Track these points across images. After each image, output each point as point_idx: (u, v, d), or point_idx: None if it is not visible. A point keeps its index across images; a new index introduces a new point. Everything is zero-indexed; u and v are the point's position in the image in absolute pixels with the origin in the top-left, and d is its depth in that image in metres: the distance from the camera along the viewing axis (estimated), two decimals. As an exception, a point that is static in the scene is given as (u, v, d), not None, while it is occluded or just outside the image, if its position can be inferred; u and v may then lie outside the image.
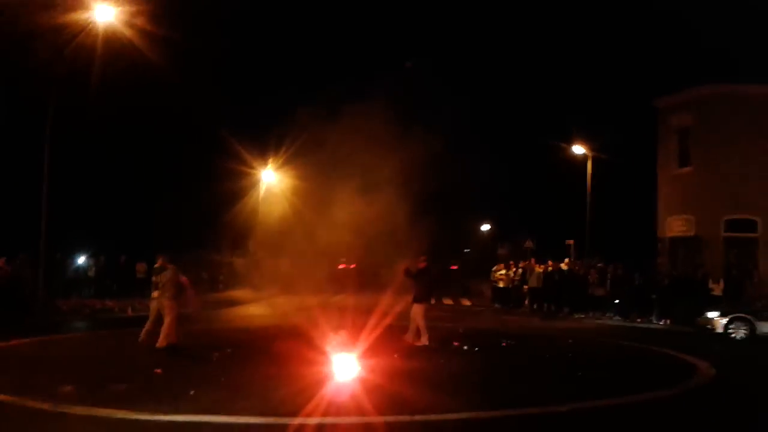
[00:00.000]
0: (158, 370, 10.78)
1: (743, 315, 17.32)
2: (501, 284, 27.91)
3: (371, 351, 11.63)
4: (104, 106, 25.07)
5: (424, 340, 14.08)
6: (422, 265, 14.65)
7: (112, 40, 19.99)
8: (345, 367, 10.13)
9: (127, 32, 19.94)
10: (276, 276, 33.22)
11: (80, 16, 19.02)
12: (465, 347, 14.40)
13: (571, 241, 30.55)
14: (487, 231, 42.49)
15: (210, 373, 10.68)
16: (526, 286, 26.55)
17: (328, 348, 11.04)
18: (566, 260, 27.43)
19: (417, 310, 14.32)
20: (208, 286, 30.48)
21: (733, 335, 17.22)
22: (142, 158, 31.42)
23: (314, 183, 25.36)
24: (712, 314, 17.99)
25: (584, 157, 29.73)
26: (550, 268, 26.21)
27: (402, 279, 21.82)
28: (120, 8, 19.35)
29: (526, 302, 26.71)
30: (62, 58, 19.83)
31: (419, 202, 22.98)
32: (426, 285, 14.55)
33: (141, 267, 26.27)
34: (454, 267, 27.32)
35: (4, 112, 24.05)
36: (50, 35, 19.50)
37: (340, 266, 21.49)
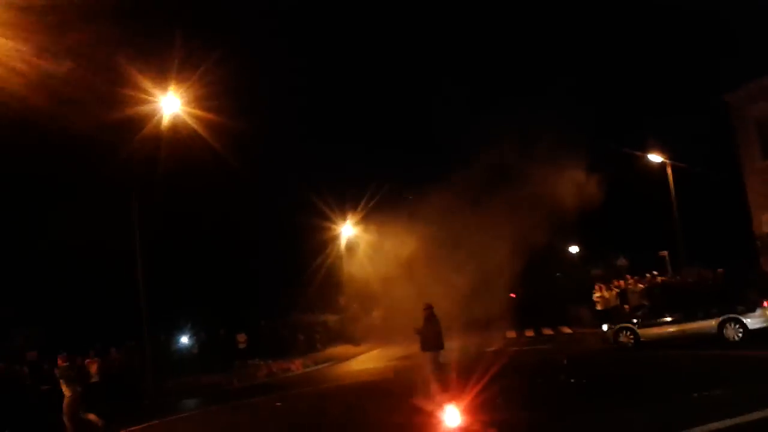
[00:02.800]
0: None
1: (628, 325, 19.28)
2: (599, 306, 27.12)
3: (477, 399, 11.44)
4: (182, 186, 26.04)
5: (424, 394, 12.80)
6: (425, 313, 14.25)
7: (179, 125, 21.04)
8: (450, 420, 9.99)
9: (196, 113, 21.00)
10: (371, 329, 33.53)
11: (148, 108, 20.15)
12: (572, 380, 14.03)
13: (665, 253, 29.51)
14: (576, 253, 41.57)
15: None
16: (626, 306, 25.71)
17: (433, 401, 10.99)
18: (654, 273, 26.69)
19: (425, 360, 13.93)
20: (306, 346, 30.85)
21: (623, 341, 19.02)
22: (226, 232, 32.40)
23: (398, 234, 25.72)
24: (604, 326, 20.39)
25: (662, 165, 28.90)
26: (642, 286, 25.49)
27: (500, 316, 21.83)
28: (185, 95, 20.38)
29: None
30: (138, 149, 20.90)
31: (505, 235, 23.05)
32: (430, 333, 14.04)
33: (241, 337, 27.02)
34: (513, 295, 26.79)
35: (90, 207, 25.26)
36: (122, 129, 20.73)
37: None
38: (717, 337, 17.10)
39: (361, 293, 31.59)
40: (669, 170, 28.43)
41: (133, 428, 14.71)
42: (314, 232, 34.00)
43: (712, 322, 17.40)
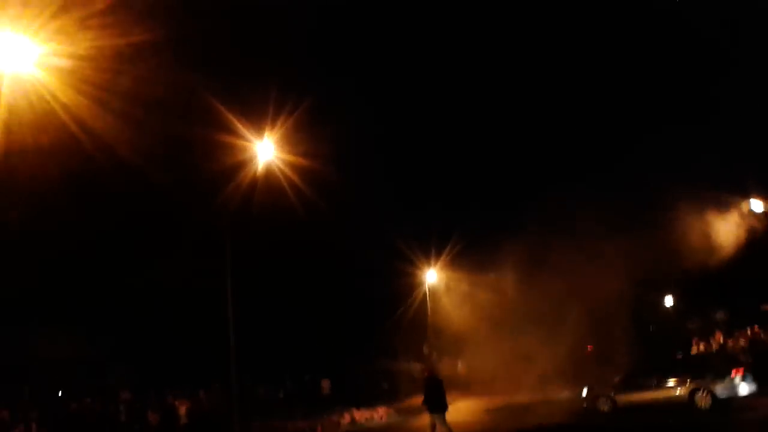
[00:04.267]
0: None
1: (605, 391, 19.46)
2: (697, 362, 25.81)
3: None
4: (273, 229, 26.54)
5: None
6: (425, 374, 15.04)
7: (272, 171, 21.64)
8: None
9: (288, 160, 21.59)
10: (455, 380, 32.91)
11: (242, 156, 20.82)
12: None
13: (768, 306, 27.94)
14: (671, 305, 39.81)
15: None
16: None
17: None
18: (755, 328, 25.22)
19: (432, 419, 14.41)
20: (390, 395, 30.51)
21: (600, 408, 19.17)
22: (310, 278, 32.80)
23: (484, 283, 25.40)
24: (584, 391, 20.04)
25: (765, 213, 27.61)
26: (743, 341, 24.10)
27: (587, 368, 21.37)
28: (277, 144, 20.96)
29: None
30: (232, 194, 21.56)
31: (589, 286, 22.37)
32: (431, 394, 14.48)
33: (325, 383, 27.08)
34: (589, 348, 25.74)
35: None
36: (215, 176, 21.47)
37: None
38: (687, 405, 17.58)
39: (444, 342, 31.25)
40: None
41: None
42: (399, 277, 34.03)
43: (683, 390, 17.93)
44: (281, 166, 21.55)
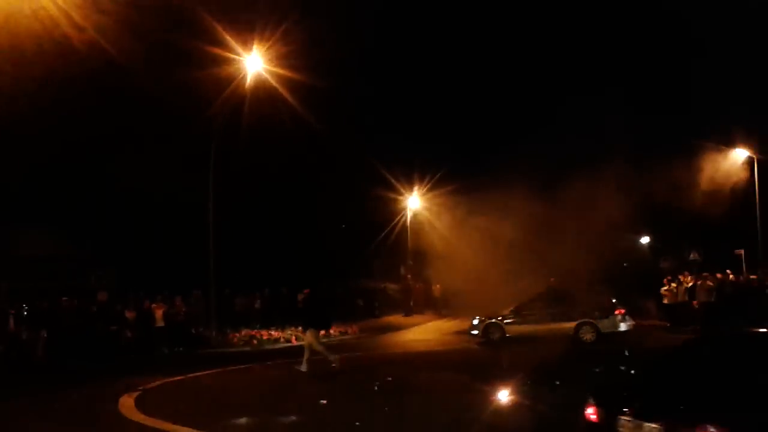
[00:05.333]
0: (324, 401, 11.13)
1: (496, 321, 20.80)
2: (666, 300, 26.37)
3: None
4: (255, 146, 26.39)
5: (303, 368, 14.61)
6: (306, 292, 16.09)
7: (259, 87, 21.43)
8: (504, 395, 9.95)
9: (273, 77, 21.35)
10: (428, 300, 33.54)
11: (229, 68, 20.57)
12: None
13: (741, 251, 28.41)
14: (647, 244, 40.39)
15: (373, 404, 10.88)
16: (695, 302, 24.92)
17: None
18: (727, 271, 25.71)
19: (307, 337, 15.06)
20: (364, 312, 31.14)
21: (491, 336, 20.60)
22: (293, 194, 32.88)
23: (464, 210, 25.55)
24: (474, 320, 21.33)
25: (748, 159, 27.80)
26: (710, 283, 24.61)
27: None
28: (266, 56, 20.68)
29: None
30: (220, 105, 21.41)
31: (569, 219, 22.58)
32: (309, 312, 15.33)
33: (300, 297, 27.44)
34: (552, 280, 26.52)
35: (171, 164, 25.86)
36: (203, 87, 21.26)
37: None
38: (573, 338, 19.53)
39: (424, 266, 31.69)
40: (756, 165, 27.40)
41: (193, 373, 15.20)
42: (382, 201, 34.26)
43: (571, 325, 19.83)
44: (269, 81, 21.40)
